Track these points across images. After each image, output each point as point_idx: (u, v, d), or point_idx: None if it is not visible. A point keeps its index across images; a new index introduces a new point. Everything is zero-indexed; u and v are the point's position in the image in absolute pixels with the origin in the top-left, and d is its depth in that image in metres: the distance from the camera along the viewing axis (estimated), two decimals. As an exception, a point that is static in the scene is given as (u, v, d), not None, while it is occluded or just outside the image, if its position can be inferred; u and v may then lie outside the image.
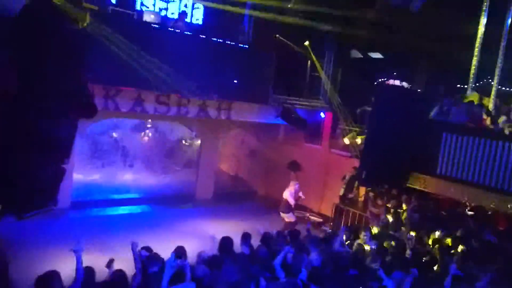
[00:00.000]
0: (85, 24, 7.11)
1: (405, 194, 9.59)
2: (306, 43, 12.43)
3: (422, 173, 8.86)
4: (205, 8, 11.81)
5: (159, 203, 12.37)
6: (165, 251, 5.36)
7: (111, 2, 10.05)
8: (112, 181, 13.30)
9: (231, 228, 8.74)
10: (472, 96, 9.88)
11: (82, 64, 5.36)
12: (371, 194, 10.26)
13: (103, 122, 11.98)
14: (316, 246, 6.05)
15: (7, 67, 4.84)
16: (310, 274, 5.11)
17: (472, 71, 10.24)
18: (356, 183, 11.17)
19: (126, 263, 5.15)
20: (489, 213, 8.90)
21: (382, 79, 14.50)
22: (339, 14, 11.49)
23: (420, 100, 9.58)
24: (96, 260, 4.83)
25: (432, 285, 5.29)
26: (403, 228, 8.30)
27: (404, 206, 9.40)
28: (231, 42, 10.63)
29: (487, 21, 9.96)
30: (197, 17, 11.86)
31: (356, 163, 10.55)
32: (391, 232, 8.17)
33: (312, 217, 12.51)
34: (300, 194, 10.52)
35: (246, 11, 12.27)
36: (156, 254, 5.22)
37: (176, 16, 11.16)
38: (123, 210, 11.74)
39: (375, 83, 14.33)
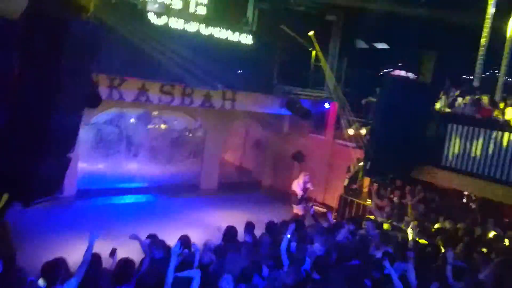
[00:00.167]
0: (88, 14, 7.10)
1: (409, 185, 9.58)
2: (311, 33, 12.33)
3: (427, 165, 8.83)
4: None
5: (164, 192, 12.44)
6: (169, 240, 5.41)
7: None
8: (117, 171, 13.39)
9: (235, 218, 8.79)
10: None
11: (89, 58, 5.36)
12: (375, 185, 10.25)
13: (108, 111, 12.02)
14: (320, 236, 6.08)
15: (13, 60, 4.86)
16: (313, 263, 5.15)
17: (479, 61, 10.11)
18: (361, 174, 11.16)
19: (132, 252, 5.21)
20: (495, 204, 8.87)
21: (388, 70, 14.39)
22: (344, 3, 11.38)
23: (426, 91, 9.50)
24: (102, 248, 4.88)
25: (434, 275, 5.30)
26: (406, 218, 8.31)
27: (408, 197, 9.40)
28: (234, 32, 10.55)
29: (494, 11, 9.80)
30: (201, 7, 11.76)
31: (361, 154, 10.54)
32: (394, 223, 8.19)
33: (316, 207, 12.54)
34: (309, 185, 10.36)
35: (251, 1, 12.17)
36: (161, 240, 5.27)
37: (180, 6, 11.06)
38: (128, 199, 11.85)
39: (381, 74, 14.22)
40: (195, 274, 4.29)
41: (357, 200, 10.90)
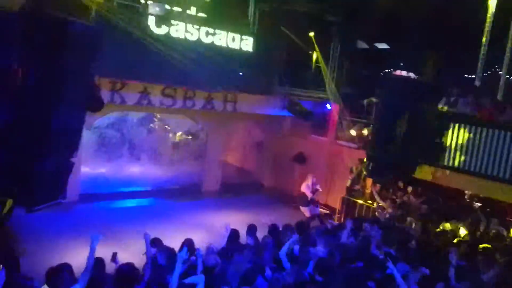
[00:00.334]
0: (90, 15, 7.12)
1: (411, 185, 9.56)
2: (311, 34, 12.33)
3: (429, 165, 8.81)
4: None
5: (166, 195, 12.44)
6: (172, 243, 5.42)
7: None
8: (119, 174, 13.40)
9: (238, 220, 8.80)
10: None
11: (90, 60, 5.36)
12: (377, 186, 10.24)
13: (110, 115, 12.04)
14: (323, 238, 6.08)
15: (12, 56, 4.84)
16: (316, 265, 5.15)
17: (481, 61, 10.10)
18: (363, 175, 11.14)
19: (134, 256, 5.23)
20: (498, 204, 8.85)
21: (389, 70, 14.38)
22: (345, 3, 11.37)
23: (428, 91, 9.49)
24: (104, 252, 4.89)
25: (437, 276, 5.28)
26: (408, 219, 8.29)
27: (410, 198, 9.38)
28: (235, 33, 10.54)
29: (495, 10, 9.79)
30: (202, 9, 11.76)
31: (363, 155, 10.52)
32: (396, 223, 8.16)
33: (320, 209, 12.52)
34: (317, 187, 10.35)
35: (251, 2, 12.17)
36: (166, 246, 5.27)
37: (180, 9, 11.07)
38: (130, 202, 11.85)
39: (382, 74, 14.21)
40: (200, 280, 4.27)
41: (360, 201, 10.88)
